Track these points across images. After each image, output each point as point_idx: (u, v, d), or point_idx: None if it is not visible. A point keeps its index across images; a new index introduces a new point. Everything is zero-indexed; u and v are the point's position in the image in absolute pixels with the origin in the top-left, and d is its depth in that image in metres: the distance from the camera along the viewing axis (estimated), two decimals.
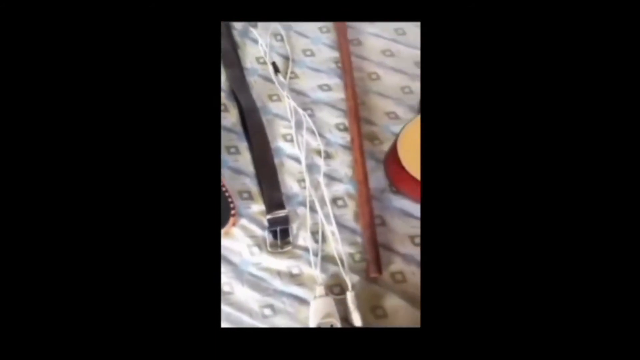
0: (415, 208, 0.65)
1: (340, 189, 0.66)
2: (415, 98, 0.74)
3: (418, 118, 0.65)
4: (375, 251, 0.59)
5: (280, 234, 0.60)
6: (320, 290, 0.56)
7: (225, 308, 0.57)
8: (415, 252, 0.62)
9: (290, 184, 0.66)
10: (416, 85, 0.76)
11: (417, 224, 0.64)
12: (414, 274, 0.60)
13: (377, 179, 0.67)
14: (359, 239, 0.62)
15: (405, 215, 0.64)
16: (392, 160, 0.63)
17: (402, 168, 0.61)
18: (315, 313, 0.54)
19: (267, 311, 0.57)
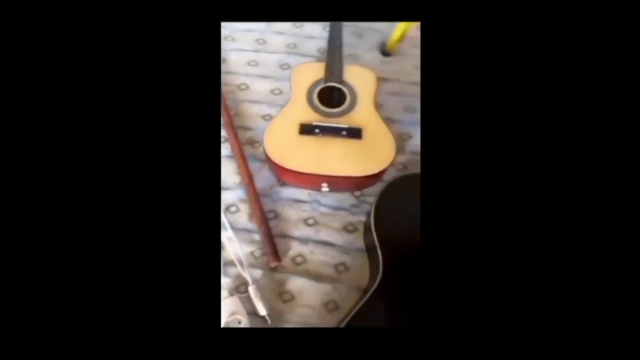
0: (302, 193, 0.70)
1: (231, 196, 0.69)
2: (285, 97, 0.79)
3: (280, 114, 0.70)
4: (270, 242, 0.63)
5: None
6: (223, 293, 0.58)
7: None
8: (310, 232, 0.66)
9: None
10: (284, 86, 0.81)
11: (307, 207, 0.68)
12: (312, 253, 0.64)
13: (265, 177, 0.71)
14: (256, 237, 0.65)
15: (296, 202, 0.69)
16: (267, 156, 0.68)
17: (272, 161, 0.65)
18: (222, 314, 0.56)
19: None
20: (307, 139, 0.66)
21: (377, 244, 0.55)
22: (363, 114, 0.69)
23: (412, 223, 0.57)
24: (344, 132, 0.67)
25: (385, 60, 0.88)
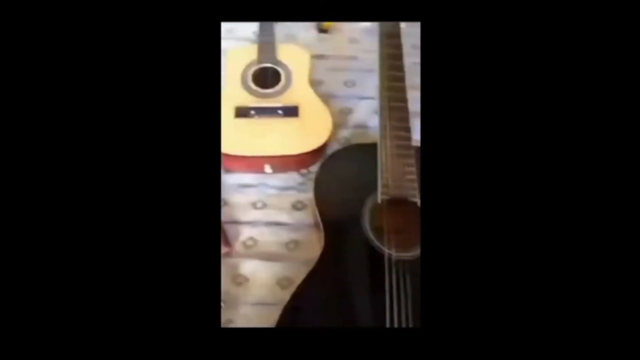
0: (249, 178, 0.70)
1: None
2: (224, 84, 0.79)
3: None
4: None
5: None
6: None
7: None
8: (259, 215, 0.66)
9: None
10: (223, 72, 0.80)
11: (255, 191, 0.68)
12: (262, 235, 0.65)
13: None
14: None
15: (243, 187, 0.69)
16: None
17: None
18: None
19: None
20: (244, 122, 0.66)
21: (318, 216, 0.56)
22: (298, 91, 0.69)
23: (351, 193, 0.59)
24: (280, 112, 0.67)
25: (322, 37, 0.88)
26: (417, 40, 0.91)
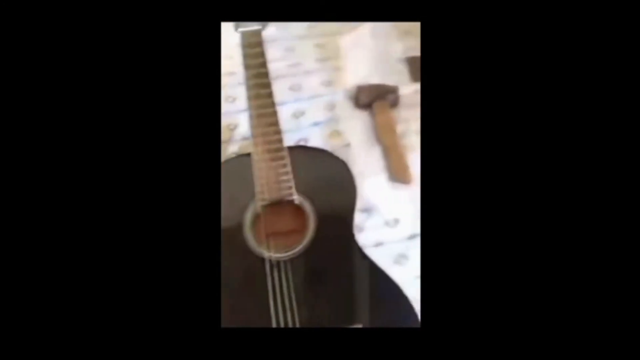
0: None
1: None
2: None
3: None
4: None
5: None
6: None
7: None
8: None
9: None
10: None
11: None
12: None
13: None
14: None
15: None
16: None
17: None
18: None
19: None
20: None
21: None
22: None
23: (232, 205, 0.58)
24: None
25: None
26: (290, 43, 0.96)
